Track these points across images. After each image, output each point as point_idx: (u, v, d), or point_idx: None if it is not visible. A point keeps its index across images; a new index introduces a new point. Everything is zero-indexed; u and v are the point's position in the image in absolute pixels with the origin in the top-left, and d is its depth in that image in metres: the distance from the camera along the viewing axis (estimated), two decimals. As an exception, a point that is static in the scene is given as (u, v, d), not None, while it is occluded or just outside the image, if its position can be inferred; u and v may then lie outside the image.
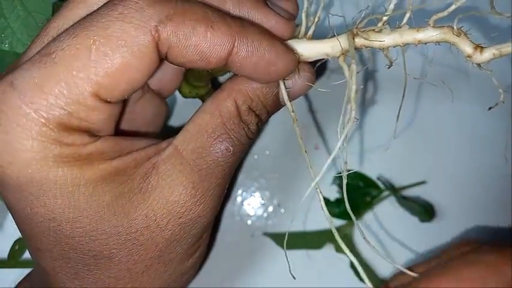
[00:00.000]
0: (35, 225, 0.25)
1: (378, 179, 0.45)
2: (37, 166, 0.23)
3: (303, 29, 0.28)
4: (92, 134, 0.25)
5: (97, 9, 0.24)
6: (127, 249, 0.26)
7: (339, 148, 0.26)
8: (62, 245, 0.25)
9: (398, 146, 0.44)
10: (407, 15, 0.26)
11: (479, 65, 0.25)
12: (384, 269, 0.45)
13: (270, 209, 0.48)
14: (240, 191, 0.47)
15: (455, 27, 0.25)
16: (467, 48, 0.25)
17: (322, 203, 0.27)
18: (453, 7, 0.25)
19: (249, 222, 0.47)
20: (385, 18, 0.26)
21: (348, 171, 0.46)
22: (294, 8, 0.29)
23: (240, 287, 0.45)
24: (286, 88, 0.28)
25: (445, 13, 0.25)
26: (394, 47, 0.26)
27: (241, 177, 0.48)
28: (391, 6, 0.26)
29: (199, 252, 0.31)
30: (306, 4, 0.28)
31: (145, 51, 0.23)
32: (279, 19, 0.27)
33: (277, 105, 0.29)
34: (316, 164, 0.28)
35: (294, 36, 0.28)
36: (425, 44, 0.26)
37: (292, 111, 0.28)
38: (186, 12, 0.24)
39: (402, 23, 0.26)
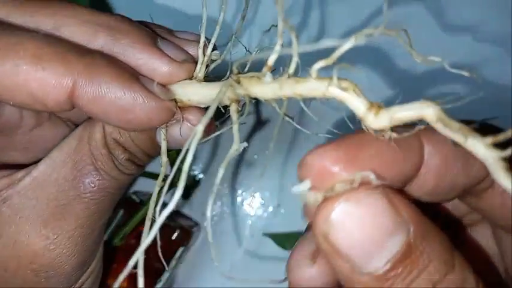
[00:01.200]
0: None
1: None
2: None
3: (197, 68, 0.25)
4: None
5: None
6: None
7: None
8: None
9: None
10: (294, 61, 0.21)
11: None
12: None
13: (270, 209, 0.46)
14: (240, 191, 0.46)
15: (335, 79, 0.19)
16: (358, 108, 0.19)
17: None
18: (339, 52, 0.19)
19: (249, 222, 0.46)
20: (269, 62, 0.21)
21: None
22: (193, 49, 0.25)
23: (240, 287, 0.45)
24: (171, 136, 0.24)
25: (330, 60, 0.19)
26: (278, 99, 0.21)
27: (240, 177, 0.46)
28: (277, 47, 0.21)
29: None
30: (202, 38, 0.24)
31: None
32: (163, 61, 0.23)
33: (155, 146, 0.25)
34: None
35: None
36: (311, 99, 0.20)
37: (161, 165, 0.24)
38: (9, 48, 0.21)
39: (287, 71, 0.21)
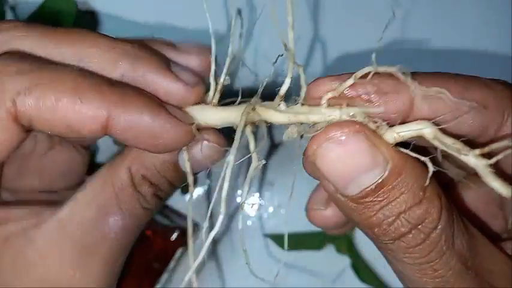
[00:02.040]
0: None
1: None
2: None
3: (211, 93, 0.27)
4: None
5: None
6: None
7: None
8: None
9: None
10: (303, 91, 0.23)
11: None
12: (384, 270, 0.45)
13: (270, 209, 0.48)
14: (240, 192, 0.48)
15: (345, 108, 0.22)
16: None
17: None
18: (344, 86, 0.22)
19: (249, 223, 0.48)
20: (282, 93, 0.24)
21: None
22: (204, 73, 0.27)
23: (241, 287, 0.47)
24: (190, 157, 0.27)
25: (337, 93, 0.22)
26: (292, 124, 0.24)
27: (241, 178, 0.47)
28: (288, 80, 0.24)
29: None
30: (213, 67, 0.27)
31: (1, 124, 0.22)
32: (179, 85, 0.25)
33: (178, 174, 0.27)
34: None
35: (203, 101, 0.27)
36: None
37: (189, 185, 0.27)
38: (50, 83, 0.22)
39: (299, 100, 0.24)
